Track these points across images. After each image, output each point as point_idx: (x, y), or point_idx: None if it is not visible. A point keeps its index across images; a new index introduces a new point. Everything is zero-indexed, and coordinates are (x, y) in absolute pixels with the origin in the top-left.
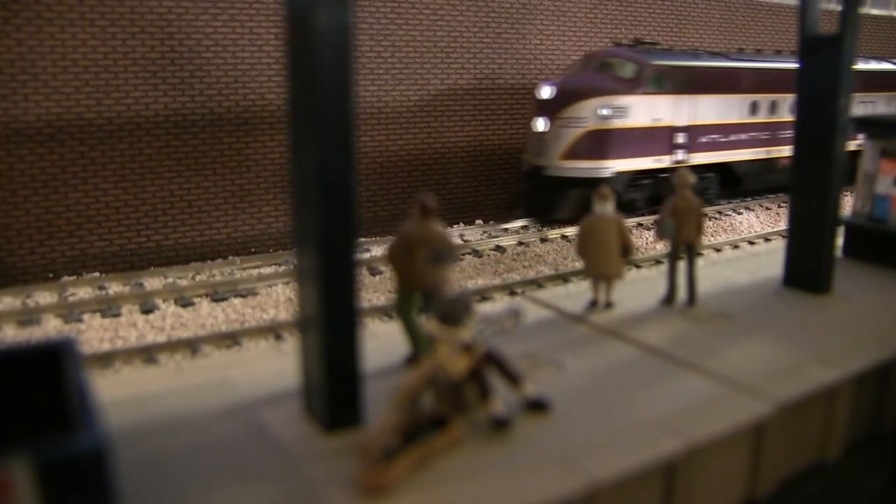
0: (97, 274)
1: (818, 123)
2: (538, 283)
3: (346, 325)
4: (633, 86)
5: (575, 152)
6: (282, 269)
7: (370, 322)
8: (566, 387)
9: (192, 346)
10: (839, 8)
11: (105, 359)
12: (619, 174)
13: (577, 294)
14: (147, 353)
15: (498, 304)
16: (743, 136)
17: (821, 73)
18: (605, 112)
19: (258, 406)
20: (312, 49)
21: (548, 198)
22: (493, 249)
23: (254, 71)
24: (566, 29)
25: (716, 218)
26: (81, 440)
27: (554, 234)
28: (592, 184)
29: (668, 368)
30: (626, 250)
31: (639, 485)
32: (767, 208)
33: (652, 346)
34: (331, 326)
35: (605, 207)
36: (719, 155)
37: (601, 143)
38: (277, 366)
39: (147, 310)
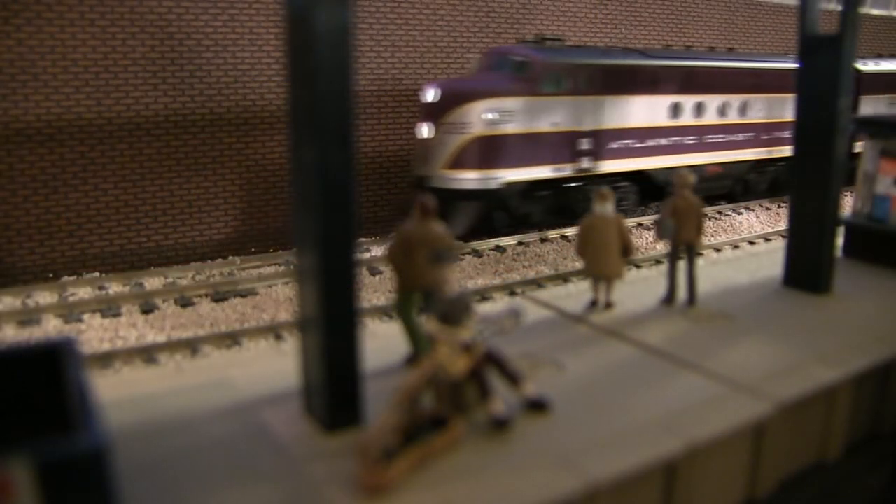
0: (97, 274)
1: (818, 123)
2: (538, 283)
3: (346, 325)
4: (526, 86)
5: (460, 161)
6: (282, 269)
7: (370, 322)
8: (566, 387)
9: (192, 346)
10: (839, 8)
11: (105, 359)
12: (511, 185)
13: (577, 294)
14: (147, 353)
15: (498, 304)
16: (663, 142)
17: (821, 73)
18: (492, 116)
19: (258, 406)
20: (312, 49)
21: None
22: (493, 249)
23: (254, 71)
24: (566, 29)
25: (716, 218)
26: (81, 440)
27: (554, 234)
28: (479, 196)
29: (668, 368)
30: (626, 250)
31: (639, 485)
32: (767, 208)
33: (652, 346)
34: (331, 326)
35: (605, 207)
36: (635, 162)
37: (489, 150)
38: (277, 366)
39: (147, 310)
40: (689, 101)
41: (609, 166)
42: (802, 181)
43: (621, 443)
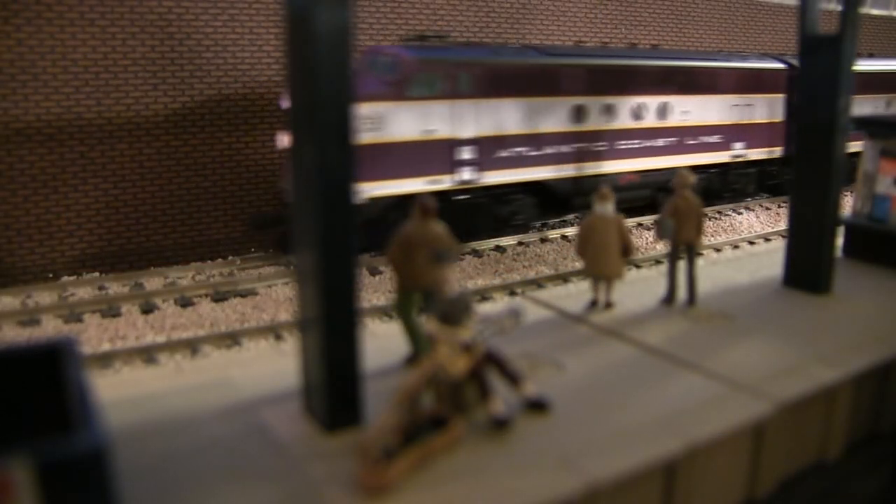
0: (97, 274)
1: (818, 123)
2: (538, 283)
3: (346, 325)
4: (393, 90)
5: None
6: (282, 269)
7: (370, 322)
8: (566, 387)
9: (192, 346)
10: (839, 8)
11: (105, 359)
12: (375, 200)
13: (577, 294)
14: (147, 353)
15: (498, 304)
16: (565, 149)
17: (821, 74)
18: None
19: (258, 406)
20: (312, 49)
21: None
22: (493, 249)
23: (254, 71)
24: (566, 29)
25: (716, 218)
26: (81, 440)
27: (554, 234)
28: None
29: (668, 368)
30: (626, 250)
31: (639, 485)
32: (767, 208)
33: (652, 345)
34: (331, 326)
35: (606, 207)
36: (529, 172)
37: None
38: (277, 366)
39: (147, 310)
40: (595, 103)
41: (497, 177)
42: (802, 181)
43: (621, 443)
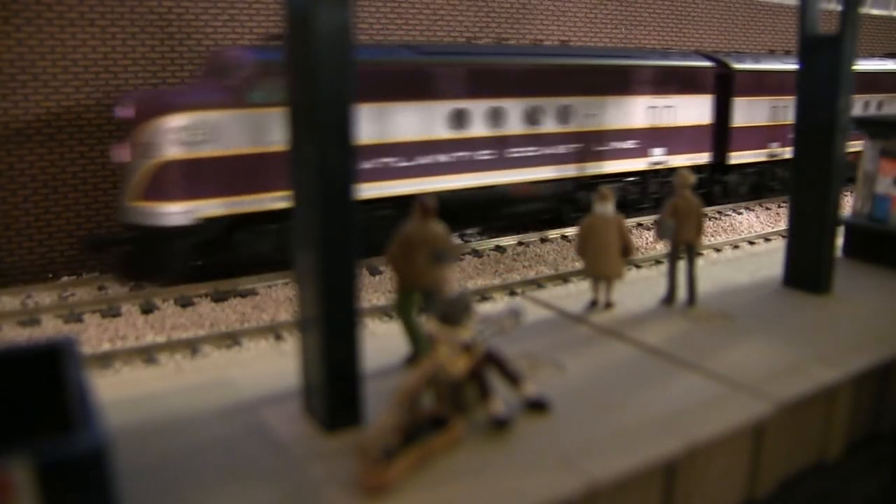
0: (97, 274)
1: (818, 124)
2: (538, 283)
3: (346, 325)
4: (233, 96)
5: (149, 191)
6: (281, 269)
7: (370, 322)
8: (566, 387)
9: (192, 346)
10: (839, 8)
11: (105, 359)
12: (210, 220)
13: (577, 294)
14: (147, 353)
15: (498, 304)
16: (443, 158)
17: (821, 74)
18: (184, 135)
19: (258, 406)
20: (312, 49)
21: (143, 253)
22: (493, 249)
23: None
24: (566, 29)
25: (716, 218)
26: (81, 440)
27: (554, 234)
28: (171, 234)
29: (668, 368)
30: (626, 250)
31: (639, 485)
32: (767, 208)
33: (652, 346)
34: (331, 326)
35: (606, 207)
36: (400, 185)
37: (181, 178)
38: (277, 366)
39: (147, 310)
40: (479, 107)
41: (359, 191)
42: (802, 181)
43: (621, 443)
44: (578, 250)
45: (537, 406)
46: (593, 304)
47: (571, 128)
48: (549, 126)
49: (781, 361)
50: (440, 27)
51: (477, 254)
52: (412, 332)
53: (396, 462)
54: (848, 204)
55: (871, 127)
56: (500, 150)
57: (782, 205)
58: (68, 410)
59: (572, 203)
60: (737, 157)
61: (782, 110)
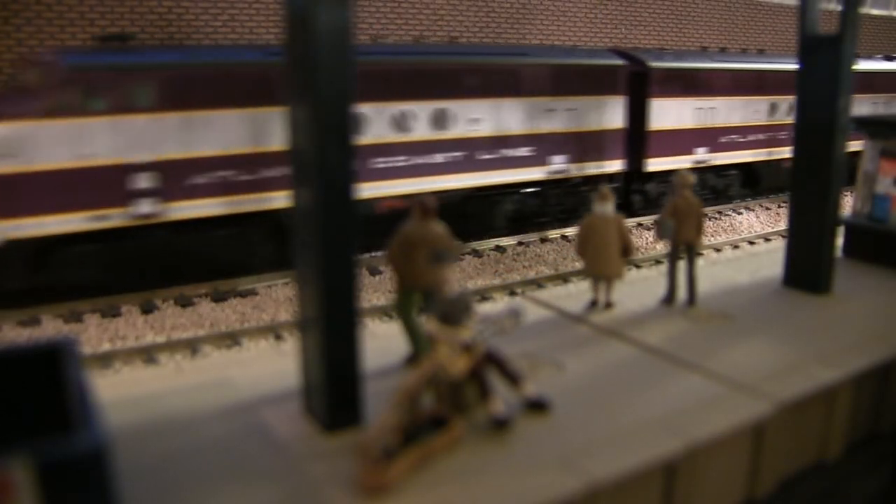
0: None
1: (818, 124)
2: (538, 283)
3: (346, 325)
4: (37, 104)
5: None
6: (281, 269)
7: (370, 322)
8: (566, 387)
9: (192, 346)
10: (839, 8)
11: (105, 359)
12: (17, 242)
13: (577, 294)
14: (147, 353)
15: (498, 304)
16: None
17: (821, 74)
18: None
19: (258, 406)
20: (312, 49)
21: None
22: (493, 249)
23: None
24: (566, 29)
25: (716, 218)
26: (81, 440)
27: (554, 234)
28: None
29: (668, 368)
30: (626, 250)
31: (639, 485)
32: (767, 208)
33: (652, 346)
34: (331, 326)
35: (606, 207)
36: (237, 202)
37: None
38: (277, 366)
39: (147, 310)
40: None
41: (189, 208)
42: (802, 181)
43: (621, 443)
44: (578, 250)
45: (537, 406)
46: (593, 304)
47: (448, 134)
48: (421, 133)
49: (781, 361)
50: (440, 27)
51: (477, 254)
52: (412, 332)
53: (396, 462)
54: (848, 204)
55: (871, 127)
56: (362, 159)
57: (782, 205)
58: (68, 410)
59: (464, 218)
60: (655, 164)
61: (709, 112)
